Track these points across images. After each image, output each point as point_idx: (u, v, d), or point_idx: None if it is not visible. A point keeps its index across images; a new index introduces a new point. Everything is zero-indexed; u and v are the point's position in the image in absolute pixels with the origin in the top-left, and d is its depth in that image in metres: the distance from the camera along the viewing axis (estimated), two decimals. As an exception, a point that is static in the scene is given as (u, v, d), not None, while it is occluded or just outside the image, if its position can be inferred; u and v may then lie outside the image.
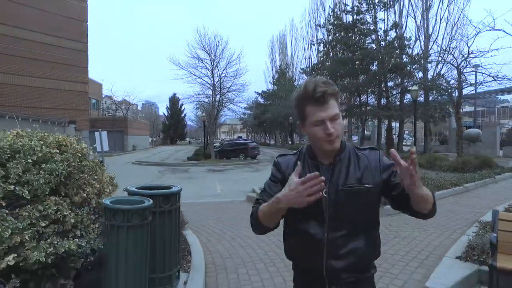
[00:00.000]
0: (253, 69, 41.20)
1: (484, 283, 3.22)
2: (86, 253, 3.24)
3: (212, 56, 25.66)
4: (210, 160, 24.50)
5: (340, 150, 1.32)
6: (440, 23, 21.54)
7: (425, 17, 21.74)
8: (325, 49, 24.40)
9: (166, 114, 77.11)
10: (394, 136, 25.20)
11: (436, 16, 21.61)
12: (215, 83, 25.89)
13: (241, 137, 77.34)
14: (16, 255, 2.51)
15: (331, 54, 23.77)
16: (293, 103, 1.33)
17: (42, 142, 3.20)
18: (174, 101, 74.20)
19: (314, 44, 31.11)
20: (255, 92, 51.62)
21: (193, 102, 28.85)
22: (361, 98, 22.40)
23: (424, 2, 21.68)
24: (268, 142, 63.62)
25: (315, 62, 32.58)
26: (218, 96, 26.16)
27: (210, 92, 26.62)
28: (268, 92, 49.76)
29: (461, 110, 18.54)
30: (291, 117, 37.23)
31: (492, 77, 13.27)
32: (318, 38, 31.29)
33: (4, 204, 2.60)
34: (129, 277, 2.34)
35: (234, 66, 25.63)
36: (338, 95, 1.30)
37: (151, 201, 2.46)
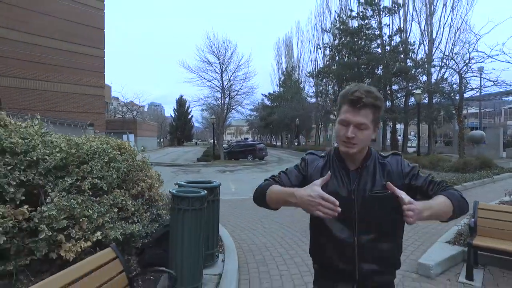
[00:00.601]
0: (259, 71, 42.02)
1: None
2: (142, 236, 4.03)
3: (221, 59, 26.53)
4: (219, 161, 25.28)
5: (366, 156, 1.38)
6: (443, 28, 22.19)
7: (429, 22, 22.37)
8: (331, 53, 25.12)
9: (173, 115, 78.20)
10: (399, 137, 25.78)
11: (440, 21, 22.29)
12: (224, 86, 26.73)
13: (247, 138, 78.13)
14: (101, 232, 3.28)
15: (337, 58, 24.45)
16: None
17: (108, 145, 3.98)
18: (181, 103, 75.32)
19: (320, 48, 31.80)
20: (262, 94, 52.60)
21: (203, 104, 29.72)
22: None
23: (428, 7, 22.32)
24: (274, 143, 64.30)
25: (321, 65, 33.28)
26: (227, 99, 27.00)
27: (219, 95, 27.51)
28: (275, 94, 50.52)
29: (464, 112, 19.11)
30: (297, 119, 37.95)
31: (492, 81, 13.88)
32: (324, 42, 32.03)
33: (90, 194, 3.37)
34: (191, 250, 3.09)
35: (243, 70, 26.44)
36: (379, 110, 1.31)
37: (206, 191, 3.21)
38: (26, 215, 2.83)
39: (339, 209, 1.10)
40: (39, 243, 2.91)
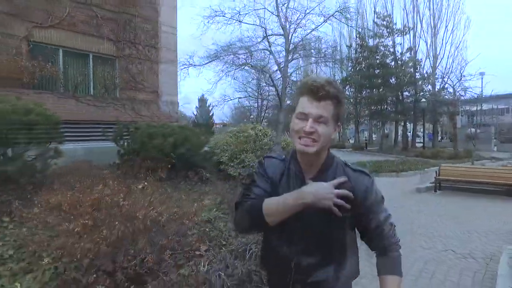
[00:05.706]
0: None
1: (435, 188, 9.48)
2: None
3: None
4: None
5: (326, 165, 1.24)
6: (445, 46, 27.44)
7: (433, 41, 27.59)
8: (353, 64, 30.37)
9: (195, 113, 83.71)
10: (409, 134, 30.91)
11: (443, 40, 27.49)
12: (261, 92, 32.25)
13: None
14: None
15: (357, 69, 29.63)
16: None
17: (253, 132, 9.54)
18: (202, 102, 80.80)
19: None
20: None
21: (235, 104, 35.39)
22: (382, 105, 28.36)
23: (432, 29, 27.57)
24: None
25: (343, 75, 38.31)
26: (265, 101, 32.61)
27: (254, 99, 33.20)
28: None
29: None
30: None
31: (476, 93, 19.22)
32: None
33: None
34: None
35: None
36: (338, 104, 1.17)
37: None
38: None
39: (348, 206, 1.12)
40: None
